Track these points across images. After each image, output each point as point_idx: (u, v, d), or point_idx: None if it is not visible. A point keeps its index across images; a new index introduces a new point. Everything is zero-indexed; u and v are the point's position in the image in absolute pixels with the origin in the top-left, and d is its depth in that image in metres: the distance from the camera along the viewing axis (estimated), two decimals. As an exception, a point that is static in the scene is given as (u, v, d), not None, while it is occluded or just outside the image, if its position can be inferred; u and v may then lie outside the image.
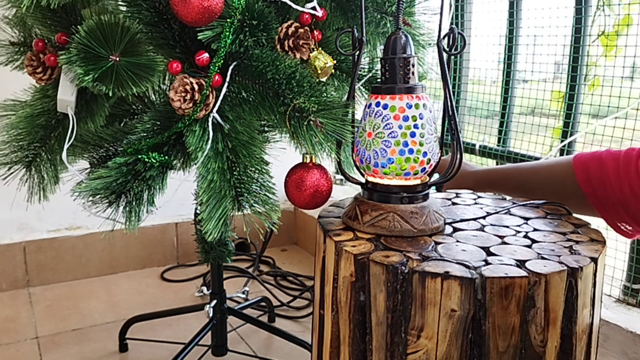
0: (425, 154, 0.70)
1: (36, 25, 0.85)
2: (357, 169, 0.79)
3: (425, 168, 0.72)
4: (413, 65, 0.71)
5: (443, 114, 0.76)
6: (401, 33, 0.72)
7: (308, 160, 0.75)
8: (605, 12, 1.13)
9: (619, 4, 1.11)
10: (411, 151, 0.69)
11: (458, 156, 0.75)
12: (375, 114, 0.71)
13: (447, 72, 0.72)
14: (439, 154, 0.75)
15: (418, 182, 0.72)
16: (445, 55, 0.73)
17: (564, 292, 0.60)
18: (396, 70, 0.71)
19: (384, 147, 0.70)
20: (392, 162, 0.70)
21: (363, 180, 0.77)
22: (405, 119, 0.69)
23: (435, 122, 0.72)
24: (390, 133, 0.69)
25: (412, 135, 0.69)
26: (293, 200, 0.75)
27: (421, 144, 0.70)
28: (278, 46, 0.77)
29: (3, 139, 0.87)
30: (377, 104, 0.71)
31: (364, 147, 0.72)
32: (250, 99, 0.75)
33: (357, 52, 0.75)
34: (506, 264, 0.61)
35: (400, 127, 0.69)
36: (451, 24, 1.49)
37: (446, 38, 0.72)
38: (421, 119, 0.69)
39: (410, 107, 0.69)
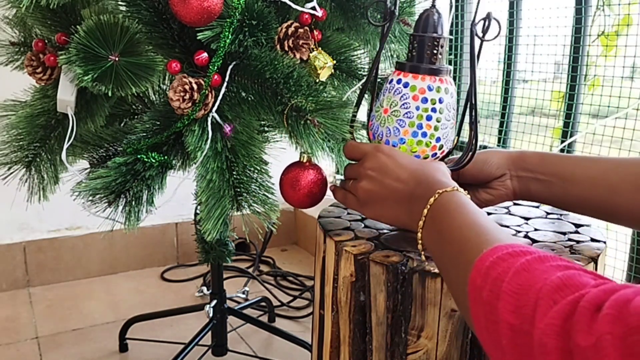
0: (438, 139, 0.68)
1: (36, 25, 0.85)
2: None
3: (436, 153, 0.69)
4: (442, 47, 0.67)
5: (465, 102, 0.73)
6: (435, 10, 0.68)
7: (305, 160, 0.75)
8: (605, 12, 1.13)
9: (619, 4, 1.11)
10: (424, 134, 0.67)
11: (474, 143, 0.71)
12: (395, 91, 0.68)
13: (476, 59, 0.69)
14: (454, 142, 0.72)
15: None
16: (478, 41, 0.69)
17: (563, 292, 0.60)
18: (424, 49, 0.67)
19: (397, 126, 0.67)
20: (404, 143, 0.68)
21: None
22: (424, 100, 0.66)
23: (455, 108, 0.69)
24: (406, 113, 0.67)
25: (429, 118, 0.67)
26: (287, 198, 0.75)
27: (436, 129, 0.67)
28: (278, 46, 0.77)
29: (3, 139, 0.87)
30: (399, 81, 0.68)
31: (379, 123, 0.69)
32: (249, 99, 0.75)
33: (387, 23, 0.72)
34: (506, 264, 0.61)
35: (417, 108, 0.67)
36: (451, 24, 1.49)
37: (480, 23, 0.68)
38: (440, 103, 0.67)
39: (431, 89, 0.66)
